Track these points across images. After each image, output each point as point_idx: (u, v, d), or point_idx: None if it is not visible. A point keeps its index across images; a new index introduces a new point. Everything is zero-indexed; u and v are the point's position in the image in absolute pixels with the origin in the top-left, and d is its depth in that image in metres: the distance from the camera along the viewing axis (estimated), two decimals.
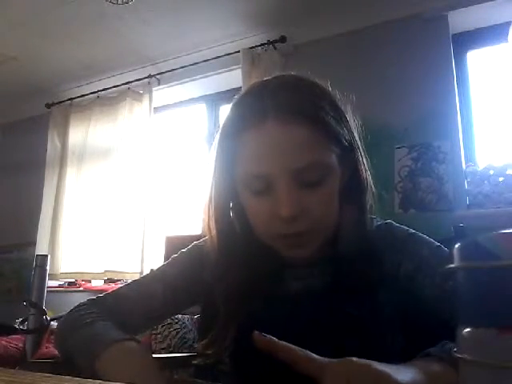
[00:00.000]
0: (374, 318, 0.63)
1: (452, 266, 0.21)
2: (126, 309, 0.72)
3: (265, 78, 0.70)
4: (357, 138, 0.70)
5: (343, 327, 0.62)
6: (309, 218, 0.62)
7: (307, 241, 0.64)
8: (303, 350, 0.49)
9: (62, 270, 2.89)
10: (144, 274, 2.67)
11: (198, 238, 0.81)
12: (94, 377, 0.49)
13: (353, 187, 0.69)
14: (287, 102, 0.62)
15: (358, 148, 0.70)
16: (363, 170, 0.69)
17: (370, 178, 0.71)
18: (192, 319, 1.85)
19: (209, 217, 0.71)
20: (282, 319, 0.64)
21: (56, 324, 0.77)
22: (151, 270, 0.78)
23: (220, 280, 0.69)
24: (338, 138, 0.65)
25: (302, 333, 0.61)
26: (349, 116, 0.70)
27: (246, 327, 0.64)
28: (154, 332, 1.81)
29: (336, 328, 0.63)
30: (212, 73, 2.81)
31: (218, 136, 0.70)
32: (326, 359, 0.48)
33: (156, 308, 0.74)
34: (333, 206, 0.66)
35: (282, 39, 2.52)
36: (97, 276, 2.83)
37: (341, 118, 0.67)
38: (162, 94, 3.01)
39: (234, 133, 0.66)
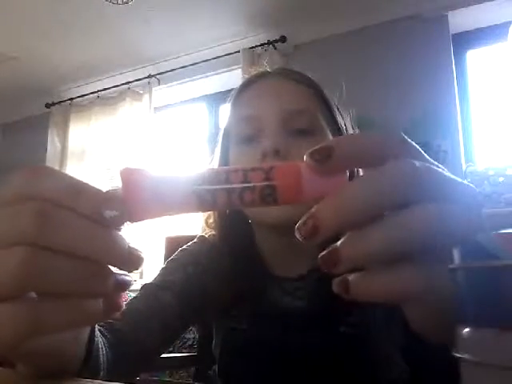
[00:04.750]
0: (370, 336, 0.59)
1: (452, 266, 0.21)
2: (141, 328, 0.57)
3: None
4: None
5: (338, 348, 0.58)
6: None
7: None
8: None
9: None
10: (144, 274, 2.67)
11: None
12: None
13: None
14: (289, 70, 0.69)
15: None
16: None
17: None
18: None
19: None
20: (270, 339, 0.60)
21: None
22: (144, 284, 0.65)
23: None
24: (333, 118, 0.66)
25: (293, 355, 0.58)
26: (348, 124, 0.70)
27: (232, 347, 0.63)
28: None
29: (331, 349, 0.58)
30: (212, 73, 2.81)
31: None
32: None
33: (171, 319, 0.61)
34: None
35: (282, 39, 2.52)
36: None
37: (340, 116, 0.68)
38: (162, 93, 3.01)
39: (235, 97, 0.69)
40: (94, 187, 0.27)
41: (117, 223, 0.26)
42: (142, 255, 0.27)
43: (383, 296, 0.24)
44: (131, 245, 0.27)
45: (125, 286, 0.28)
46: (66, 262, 0.25)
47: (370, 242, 0.23)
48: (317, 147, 0.25)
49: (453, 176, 0.26)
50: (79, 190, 0.26)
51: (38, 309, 0.25)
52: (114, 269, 0.27)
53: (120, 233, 0.27)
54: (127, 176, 0.26)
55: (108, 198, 0.26)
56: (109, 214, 0.25)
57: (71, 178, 0.27)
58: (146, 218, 0.27)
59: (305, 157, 0.25)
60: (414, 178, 0.24)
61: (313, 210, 0.24)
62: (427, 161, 0.26)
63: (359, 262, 0.24)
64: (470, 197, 0.26)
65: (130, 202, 0.26)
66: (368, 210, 0.23)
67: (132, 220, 0.27)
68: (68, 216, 0.25)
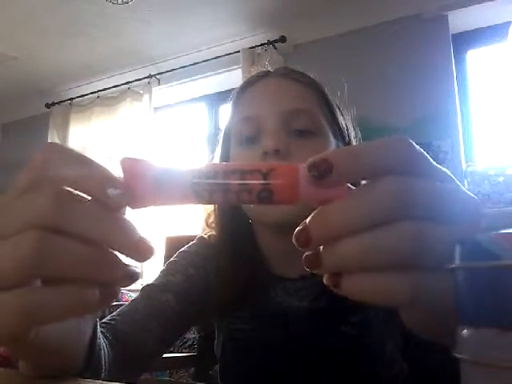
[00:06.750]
0: (370, 335, 0.59)
1: (452, 265, 0.21)
2: (141, 328, 0.57)
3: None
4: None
5: (339, 347, 0.58)
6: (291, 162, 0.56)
7: None
8: None
9: None
10: (144, 274, 2.67)
11: None
12: None
13: None
14: (291, 70, 0.68)
15: None
16: None
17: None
18: None
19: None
20: (271, 339, 0.61)
21: None
22: (144, 285, 0.64)
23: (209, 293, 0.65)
24: (334, 118, 0.66)
25: (295, 354, 0.58)
26: (349, 124, 0.70)
27: (233, 346, 0.63)
28: None
29: (332, 348, 0.58)
30: (212, 73, 2.81)
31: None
32: None
33: (172, 320, 0.61)
34: None
35: (282, 39, 2.52)
36: None
37: (341, 116, 0.68)
38: (162, 93, 3.01)
39: (236, 97, 0.68)
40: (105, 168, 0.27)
41: (120, 202, 0.26)
42: (153, 246, 0.27)
43: (369, 298, 0.25)
44: (143, 235, 0.27)
45: (133, 277, 0.27)
46: (77, 247, 0.25)
47: (344, 254, 0.24)
48: (315, 159, 0.25)
49: (454, 188, 0.26)
50: (91, 169, 0.27)
51: (42, 296, 0.25)
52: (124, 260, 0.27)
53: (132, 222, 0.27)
54: (127, 165, 0.27)
55: (112, 177, 0.26)
56: (112, 191, 0.26)
57: (85, 157, 0.27)
58: (144, 206, 0.27)
59: (304, 165, 0.25)
60: (403, 196, 0.24)
61: (306, 221, 0.26)
62: (431, 168, 0.27)
63: (333, 270, 0.26)
64: (468, 213, 0.26)
65: (128, 190, 0.26)
66: (354, 225, 0.24)
67: (130, 207, 0.27)
68: (82, 199, 0.26)
